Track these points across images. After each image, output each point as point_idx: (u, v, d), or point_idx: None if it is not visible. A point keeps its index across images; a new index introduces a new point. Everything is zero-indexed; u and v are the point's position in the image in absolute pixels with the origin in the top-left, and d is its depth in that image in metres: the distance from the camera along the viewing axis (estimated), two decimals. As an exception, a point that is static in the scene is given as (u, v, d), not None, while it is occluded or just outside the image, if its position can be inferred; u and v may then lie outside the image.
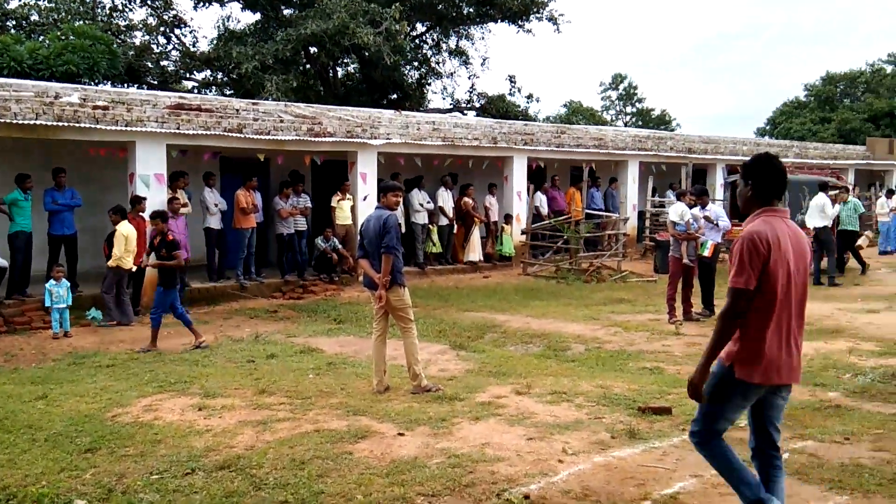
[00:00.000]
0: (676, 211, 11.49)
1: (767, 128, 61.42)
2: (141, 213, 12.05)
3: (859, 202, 16.85)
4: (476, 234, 17.71)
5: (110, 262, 11.38)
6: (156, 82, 27.62)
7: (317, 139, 14.85)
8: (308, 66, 28.92)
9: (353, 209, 15.45)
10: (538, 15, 30.79)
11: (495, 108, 31.60)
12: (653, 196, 20.73)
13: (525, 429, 6.11)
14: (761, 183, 3.99)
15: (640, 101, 66.38)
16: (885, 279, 15.75)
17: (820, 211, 15.05)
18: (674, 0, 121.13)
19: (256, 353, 9.36)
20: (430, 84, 33.89)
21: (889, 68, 64.68)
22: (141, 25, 28.92)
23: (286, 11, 28.15)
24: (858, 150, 30.86)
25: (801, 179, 17.23)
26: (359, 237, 7.67)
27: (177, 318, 10.08)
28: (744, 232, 3.92)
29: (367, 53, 25.95)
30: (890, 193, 21.89)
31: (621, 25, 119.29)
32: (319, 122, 15.47)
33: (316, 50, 26.86)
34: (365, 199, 15.51)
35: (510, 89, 34.35)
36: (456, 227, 17.70)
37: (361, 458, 5.49)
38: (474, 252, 17.69)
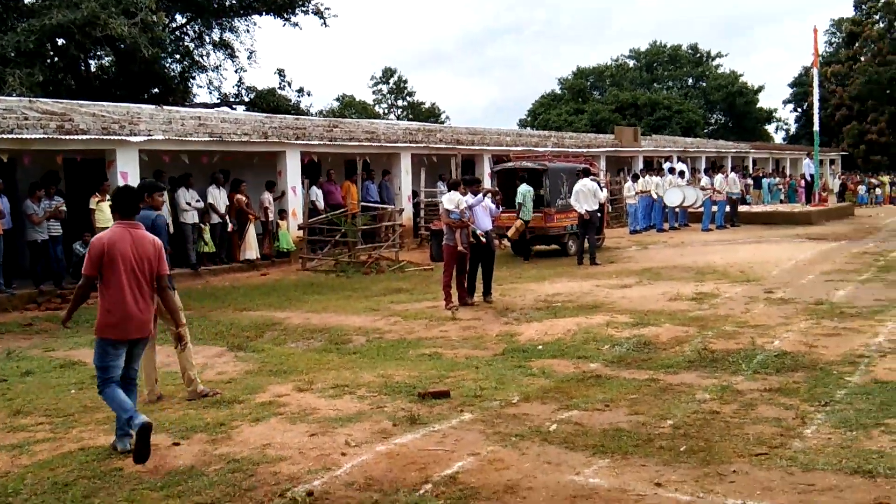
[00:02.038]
0: (451, 199, 11.78)
1: (529, 119, 65.04)
2: None
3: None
4: (251, 232, 17.27)
5: None
6: None
7: (68, 137, 13.78)
8: (56, 58, 26.68)
9: (114, 211, 14.47)
10: (304, 8, 30.54)
11: (265, 102, 30.97)
12: (426, 187, 21.26)
13: (307, 425, 6.04)
14: (116, 206, 5.92)
15: (410, 94, 67.82)
16: (636, 256, 17.21)
17: (592, 195, 16.08)
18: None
19: (9, 372, 8.53)
20: (194, 78, 32.62)
21: (631, 63, 70.75)
22: None
23: (27, 0, 25.77)
24: (608, 139, 33.41)
25: (560, 167, 18.37)
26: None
27: None
28: (94, 238, 5.79)
29: (122, 45, 24.38)
30: (636, 178, 23.92)
31: (391, 20, 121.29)
32: (70, 118, 14.35)
33: (64, 42, 24.82)
34: (128, 199, 14.58)
35: (280, 83, 33.80)
36: (230, 225, 17.14)
37: (133, 473, 5.16)
38: (251, 250, 17.24)
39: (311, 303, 12.63)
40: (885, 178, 39.70)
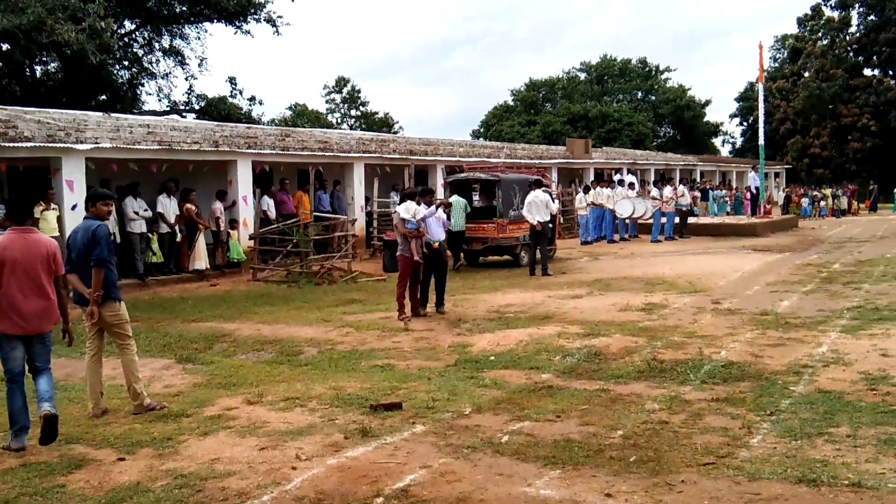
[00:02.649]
0: (408, 209, 11.75)
1: (482, 130, 65.39)
2: None
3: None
4: (201, 241, 17.01)
5: None
6: None
7: (11, 144, 13.45)
8: (1, 64, 26.05)
9: (59, 220, 14.17)
10: (256, 16, 30.33)
11: (216, 110, 30.61)
12: (379, 197, 21.20)
13: (257, 438, 5.96)
14: (9, 213, 6.58)
15: (364, 104, 67.71)
16: (587, 267, 17.40)
17: (544, 206, 16.20)
18: (400, 6, 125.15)
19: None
20: (143, 85, 32.16)
21: (582, 76, 71.67)
22: None
23: (-31, 4, 25.11)
24: (560, 150, 33.75)
25: (512, 178, 18.49)
26: (66, 250, 7.05)
27: None
28: None
29: (69, 51, 23.89)
30: (587, 189, 24.20)
31: (345, 28, 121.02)
32: (14, 125, 14.01)
33: (9, 47, 24.23)
34: (73, 208, 14.32)
35: (231, 91, 33.48)
36: (179, 234, 16.87)
37: (76, 489, 5.04)
38: (200, 260, 16.98)
39: (262, 314, 12.50)
40: (828, 192, 40.76)
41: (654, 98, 68.91)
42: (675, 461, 5.25)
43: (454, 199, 17.17)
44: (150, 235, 16.18)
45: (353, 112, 67.34)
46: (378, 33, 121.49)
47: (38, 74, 28.53)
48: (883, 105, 57.25)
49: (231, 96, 33.06)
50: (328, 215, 19.48)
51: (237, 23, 30.62)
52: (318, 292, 15.01)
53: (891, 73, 60.57)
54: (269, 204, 18.94)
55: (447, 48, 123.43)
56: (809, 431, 5.74)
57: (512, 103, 66.12)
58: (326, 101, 67.36)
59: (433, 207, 12.01)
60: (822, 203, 38.84)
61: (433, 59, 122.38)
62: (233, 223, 17.89)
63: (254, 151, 18.54)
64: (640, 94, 70.35)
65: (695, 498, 4.64)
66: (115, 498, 4.87)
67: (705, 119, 71.04)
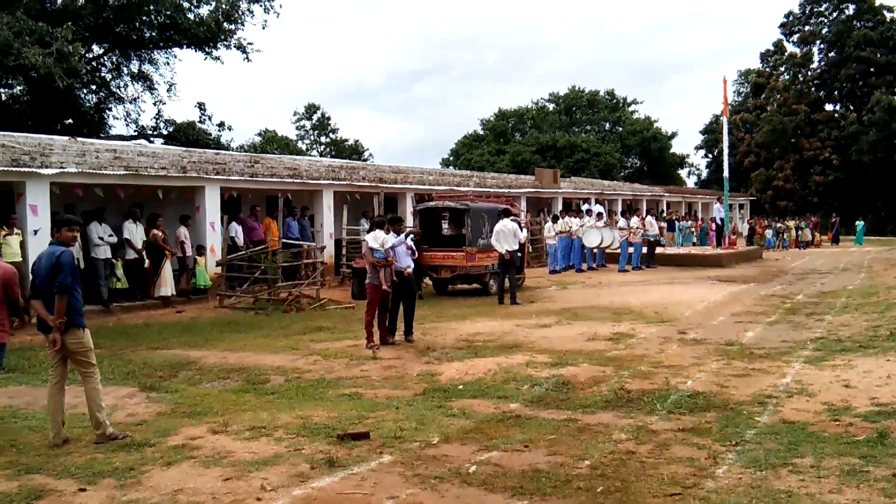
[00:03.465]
0: (377, 238, 11.74)
1: (451, 158, 65.75)
2: None
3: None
4: (167, 268, 16.82)
5: None
6: None
7: (-26, 168, 13.24)
8: (-35, 86, 25.79)
9: (22, 245, 13.96)
10: (226, 42, 30.32)
11: (185, 135, 30.48)
12: (348, 224, 21.18)
13: (222, 469, 5.88)
14: None
15: (333, 131, 67.83)
16: (555, 296, 17.48)
17: (513, 235, 16.25)
18: (369, 34, 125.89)
19: None
20: (110, 109, 31.95)
21: (551, 106, 72.50)
22: None
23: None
24: (528, 180, 34.01)
25: (481, 207, 18.58)
26: (30, 276, 6.96)
27: None
28: None
29: (35, 75, 23.67)
30: (555, 219, 24.37)
31: (316, 56, 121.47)
32: (-22, 148, 13.82)
33: (-26, 69, 24.01)
34: (36, 233, 14.13)
35: (200, 117, 33.33)
36: (147, 261, 16.68)
37: (34, 522, 4.93)
38: (166, 286, 16.78)
39: (229, 341, 12.36)
40: (791, 223, 41.48)
41: (621, 129, 69.83)
42: (641, 491, 5.27)
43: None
44: (114, 261, 15.99)
45: (322, 139, 67.44)
46: (349, 60, 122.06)
47: (3, 97, 28.23)
48: (844, 139, 58.61)
49: (200, 122, 32.95)
50: (297, 242, 19.40)
51: (207, 49, 30.58)
52: (285, 320, 14.90)
53: (851, 108, 62.08)
54: (237, 230, 18.82)
55: (416, 76, 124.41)
56: (774, 462, 5.79)
57: (481, 132, 66.63)
58: (297, 128, 67.45)
59: (402, 236, 12.03)
60: (786, 235, 39.51)
61: (402, 87, 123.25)
62: (200, 249, 17.74)
63: (222, 178, 18.44)
64: (607, 125, 71.24)
65: (661, 528, 4.65)
66: (74, 530, 4.77)
67: (671, 151, 72.08)
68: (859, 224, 43.18)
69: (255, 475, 5.71)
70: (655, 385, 8.38)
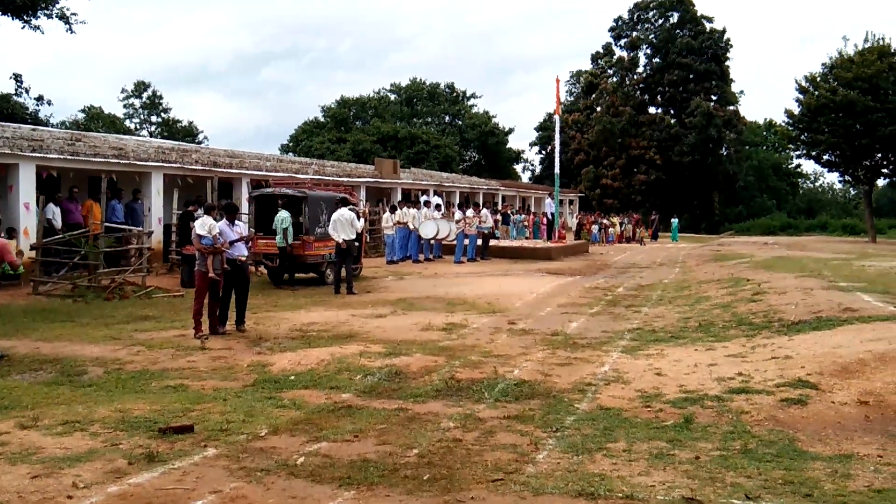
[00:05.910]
0: (204, 224, 11.35)
1: (291, 145, 64.64)
2: None
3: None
4: (-27, 251, 15.49)
5: None
6: None
7: None
8: None
9: None
10: (47, 11, 28.17)
11: (-2, 109, 28.17)
12: (179, 209, 20.33)
13: (29, 466, 5.50)
14: None
15: (165, 111, 64.91)
16: (392, 286, 17.59)
17: (350, 225, 16.14)
18: (217, 15, 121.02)
19: None
20: None
21: (393, 96, 72.81)
22: None
23: None
24: (369, 169, 34.00)
25: (319, 195, 18.37)
26: None
27: None
28: None
29: None
30: (394, 209, 24.50)
31: (152, 33, 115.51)
32: None
33: None
34: None
35: (16, 89, 30.88)
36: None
37: None
38: (-29, 271, 15.46)
39: (43, 330, 11.59)
40: (615, 219, 43.92)
41: (460, 123, 71.17)
42: (466, 478, 5.41)
43: (281, 213, 16.84)
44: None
45: (153, 119, 64.33)
46: (191, 40, 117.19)
47: None
48: (666, 141, 62.54)
49: (16, 94, 30.56)
50: (121, 226, 18.38)
51: (25, 17, 28.31)
52: (107, 308, 14.14)
53: (672, 111, 66.29)
54: (54, 212, 17.57)
55: (265, 60, 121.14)
56: (590, 447, 6.11)
57: (323, 119, 65.87)
58: (124, 106, 63.93)
59: (224, 222, 11.56)
60: (610, 230, 41.73)
61: (250, 71, 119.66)
62: (11, 232, 16.45)
63: (38, 155, 17.21)
64: (447, 118, 72.41)
65: (483, 513, 4.80)
66: None
67: (508, 146, 74.28)
68: (674, 222, 46.35)
69: (67, 472, 5.39)
70: (484, 374, 8.62)
